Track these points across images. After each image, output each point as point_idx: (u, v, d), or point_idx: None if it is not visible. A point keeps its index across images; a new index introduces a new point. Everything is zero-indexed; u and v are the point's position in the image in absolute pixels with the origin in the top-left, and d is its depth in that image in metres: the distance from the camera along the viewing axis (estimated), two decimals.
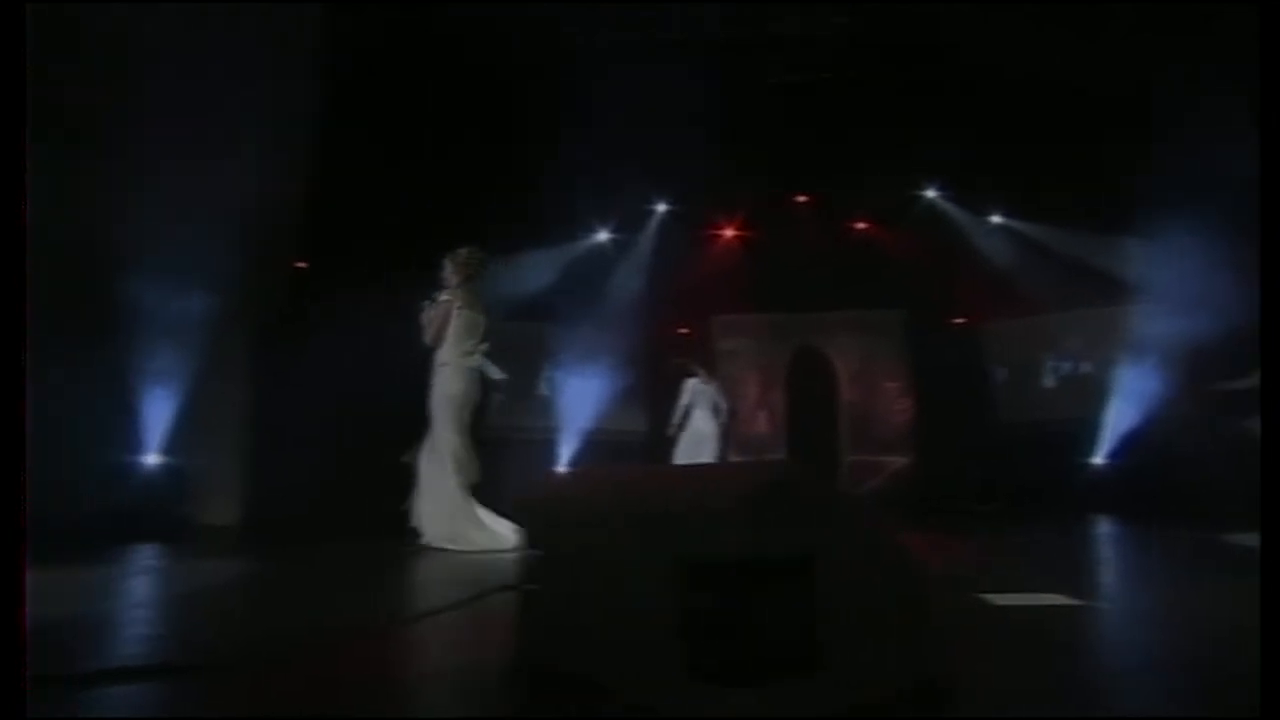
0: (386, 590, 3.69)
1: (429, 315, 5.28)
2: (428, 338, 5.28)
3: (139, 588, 3.76)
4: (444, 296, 5.32)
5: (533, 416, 9.27)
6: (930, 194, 10.26)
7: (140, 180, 6.13)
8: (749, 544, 1.45)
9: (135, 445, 6.26)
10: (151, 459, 6.30)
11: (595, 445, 9.10)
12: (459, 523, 5.04)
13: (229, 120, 6.94)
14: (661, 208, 10.31)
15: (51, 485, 5.83)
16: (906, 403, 9.70)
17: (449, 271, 5.38)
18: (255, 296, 6.80)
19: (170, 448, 6.32)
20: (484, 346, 5.37)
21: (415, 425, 6.24)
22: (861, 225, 10.26)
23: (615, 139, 8.75)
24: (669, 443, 8.21)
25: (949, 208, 10.21)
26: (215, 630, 2.62)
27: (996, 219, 9.93)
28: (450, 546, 4.91)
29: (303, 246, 7.98)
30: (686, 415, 8.24)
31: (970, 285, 9.56)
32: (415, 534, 5.08)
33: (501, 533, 4.89)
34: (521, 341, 9.17)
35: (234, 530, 6.36)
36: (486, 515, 5.09)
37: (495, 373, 5.46)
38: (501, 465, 8.80)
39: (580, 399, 9.27)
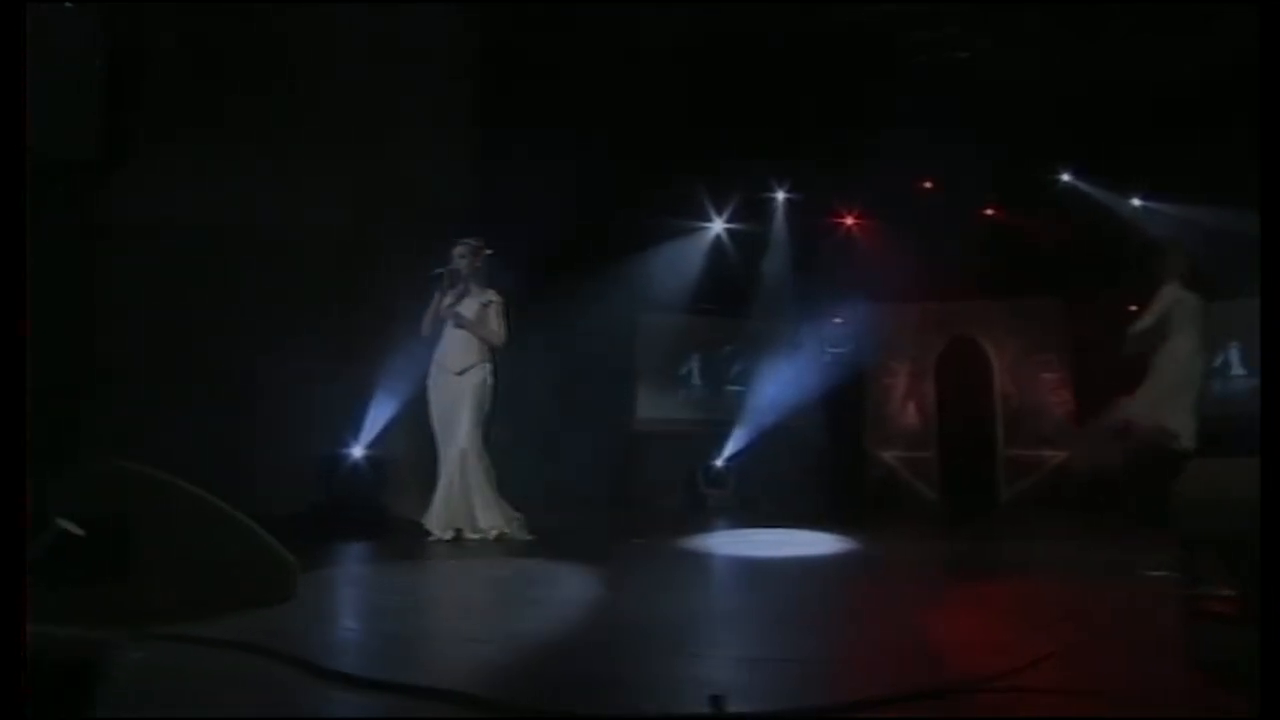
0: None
1: (496, 314, 5.21)
2: (498, 337, 5.21)
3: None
4: (492, 295, 5.26)
5: (688, 409, 8.96)
6: (1065, 177, 9.88)
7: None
8: None
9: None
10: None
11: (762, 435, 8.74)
12: (484, 512, 5.05)
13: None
14: (781, 195, 9.95)
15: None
16: (1066, 394, 9.28)
17: (468, 263, 5.26)
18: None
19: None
20: None
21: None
22: (1000, 211, 9.88)
23: (729, 126, 8.51)
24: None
25: (1090, 189, 9.79)
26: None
27: (1141, 201, 9.52)
28: (469, 535, 4.97)
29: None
30: None
31: (1132, 268, 9.11)
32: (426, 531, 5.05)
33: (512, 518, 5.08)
34: (671, 334, 8.89)
35: None
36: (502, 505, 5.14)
37: None
38: (658, 456, 8.67)
39: (739, 390, 8.95)
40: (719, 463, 8.71)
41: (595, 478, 7.94)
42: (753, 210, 9.68)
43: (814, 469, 8.86)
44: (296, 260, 6.35)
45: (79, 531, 2.22)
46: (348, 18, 6.86)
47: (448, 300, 5.22)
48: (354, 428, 6.01)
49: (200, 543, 2.71)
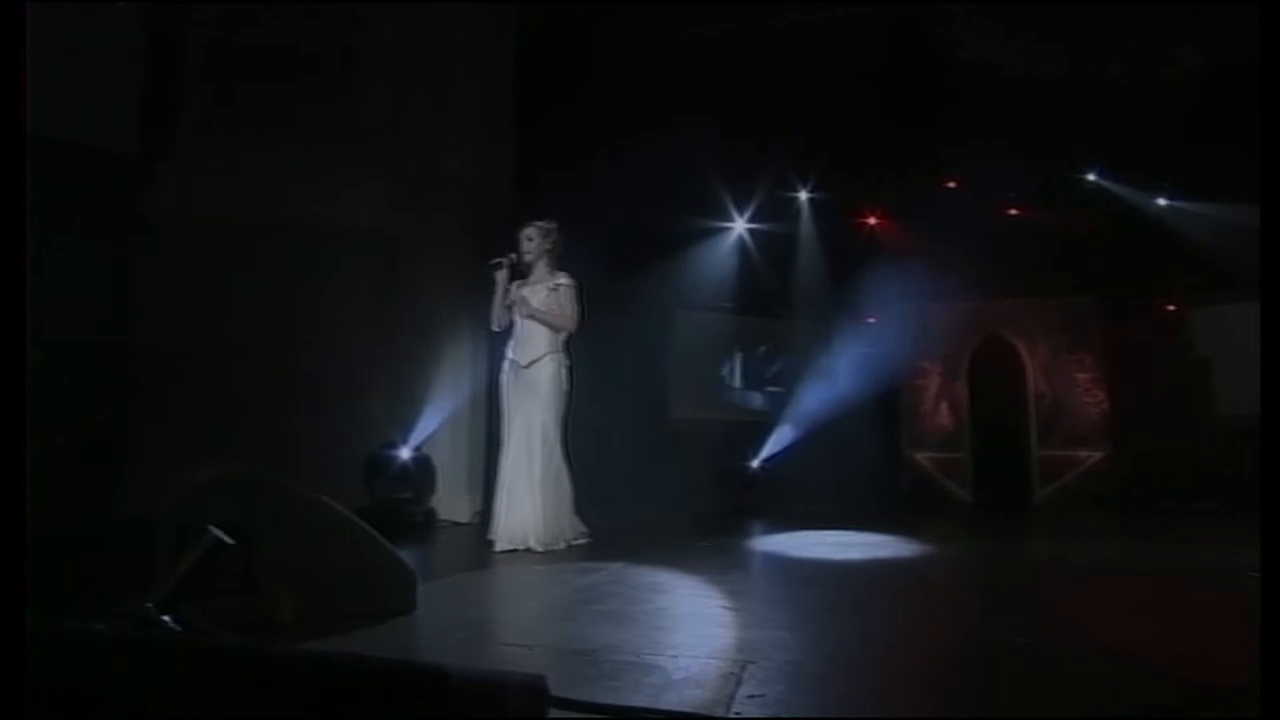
0: None
1: (567, 298, 4.98)
2: (569, 321, 4.96)
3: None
4: (563, 278, 5.00)
5: (724, 409, 8.86)
6: (1091, 176, 9.82)
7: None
8: None
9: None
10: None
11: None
12: (562, 520, 4.85)
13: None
14: (812, 195, 9.84)
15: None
16: (1100, 394, 9.21)
17: (536, 246, 5.02)
18: None
19: None
20: None
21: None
22: (1033, 210, 9.80)
23: (752, 124, 8.43)
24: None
25: (1117, 189, 9.72)
26: None
27: (1169, 200, 9.46)
28: (542, 548, 4.66)
29: None
30: None
31: (1165, 268, 9.07)
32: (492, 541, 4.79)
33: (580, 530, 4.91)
34: (707, 332, 8.79)
35: None
36: (572, 514, 4.94)
37: None
38: (690, 454, 8.53)
39: (775, 390, 8.85)
40: (755, 463, 8.60)
41: (630, 478, 7.81)
42: (783, 210, 9.58)
43: (848, 469, 8.76)
44: (341, 257, 6.22)
45: (230, 540, 2.08)
46: (388, 14, 6.75)
47: (512, 290, 4.98)
48: (405, 428, 5.86)
49: (324, 551, 2.57)
